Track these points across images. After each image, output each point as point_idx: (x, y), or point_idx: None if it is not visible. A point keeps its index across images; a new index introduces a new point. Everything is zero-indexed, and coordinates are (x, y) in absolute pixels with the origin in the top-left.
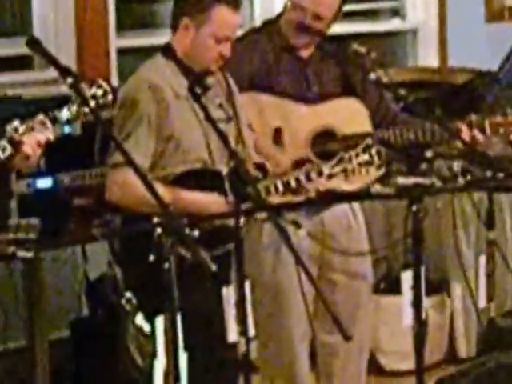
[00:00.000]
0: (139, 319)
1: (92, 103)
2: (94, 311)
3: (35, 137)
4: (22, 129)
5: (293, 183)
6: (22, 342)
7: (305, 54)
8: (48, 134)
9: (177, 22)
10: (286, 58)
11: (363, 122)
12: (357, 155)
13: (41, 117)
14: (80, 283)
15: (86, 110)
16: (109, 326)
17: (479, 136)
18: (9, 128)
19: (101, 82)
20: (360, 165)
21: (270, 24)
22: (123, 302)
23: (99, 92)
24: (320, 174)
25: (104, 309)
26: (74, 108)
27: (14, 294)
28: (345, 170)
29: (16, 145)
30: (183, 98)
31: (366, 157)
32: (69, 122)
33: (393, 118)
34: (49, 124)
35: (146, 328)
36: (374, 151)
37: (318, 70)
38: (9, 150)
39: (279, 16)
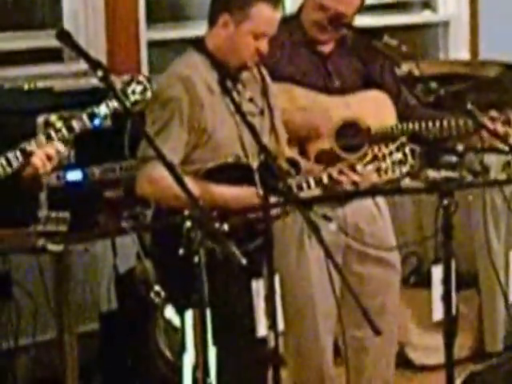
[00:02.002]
0: (169, 312)
1: (131, 98)
2: (123, 304)
3: (45, 149)
4: (33, 141)
5: (325, 180)
6: (51, 335)
7: (326, 49)
8: (58, 146)
9: (216, 17)
10: (307, 53)
11: (388, 114)
12: (390, 153)
13: (59, 124)
14: (109, 276)
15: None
16: (138, 319)
17: (501, 129)
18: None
19: (141, 78)
20: (393, 163)
21: (291, 19)
22: (152, 295)
23: (138, 88)
24: (353, 170)
25: (133, 302)
26: (113, 104)
27: (44, 287)
28: (378, 169)
29: (26, 156)
30: (217, 92)
31: (399, 155)
32: (106, 117)
33: (411, 112)
34: (65, 132)
35: (176, 321)
36: (407, 150)
37: (338, 64)
38: (20, 159)
39: (300, 11)
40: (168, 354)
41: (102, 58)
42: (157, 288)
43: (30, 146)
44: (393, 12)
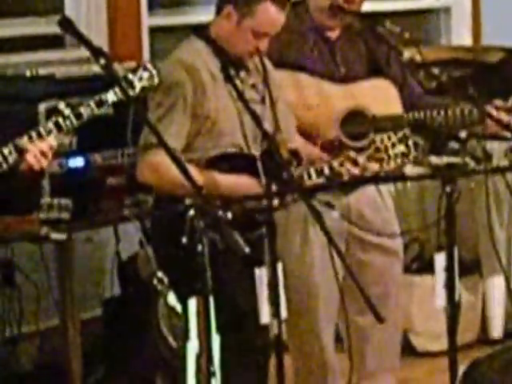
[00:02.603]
0: (171, 299)
1: (138, 85)
2: (125, 291)
3: (38, 145)
4: (26, 137)
5: (326, 171)
6: (54, 322)
7: (333, 35)
8: (50, 141)
9: (221, 7)
10: (314, 38)
11: (394, 103)
12: (393, 145)
13: (49, 124)
14: (112, 263)
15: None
16: (141, 305)
17: (505, 118)
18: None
19: (148, 64)
20: (396, 156)
21: (299, 4)
22: (155, 281)
23: (145, 75)
24: (355, 163)
25: (136, 288)
26: (120, 91)
27: (46, 274)
28: (380, 161)
29: (20, 152)
30: (219, 79)
31: (402, 147)
32: (114, 104)
33: (417, 100)
34: (53, 130)
35: (179, 308)
36: (410, 142)
37: (345, 51)
38: (14, 156)
39: None
40: (171, 340)
41: (104, 44)
42: (160, 274)
43: (23, 143)
44: None
